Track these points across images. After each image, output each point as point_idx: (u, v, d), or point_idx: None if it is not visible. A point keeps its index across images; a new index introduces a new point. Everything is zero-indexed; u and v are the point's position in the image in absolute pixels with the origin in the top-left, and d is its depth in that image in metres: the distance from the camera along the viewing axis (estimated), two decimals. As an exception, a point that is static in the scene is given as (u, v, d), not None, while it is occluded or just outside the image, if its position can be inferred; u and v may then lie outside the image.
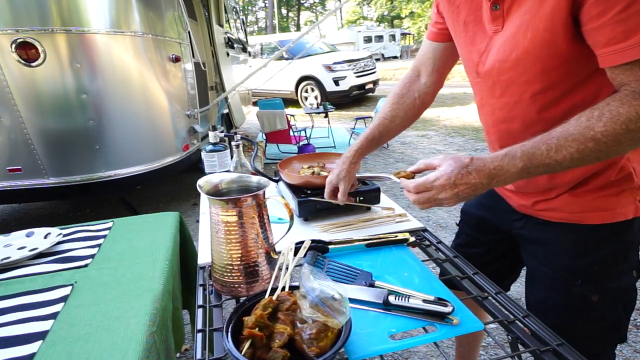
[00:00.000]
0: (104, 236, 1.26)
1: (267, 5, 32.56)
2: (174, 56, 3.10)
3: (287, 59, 8.07)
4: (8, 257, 1.11)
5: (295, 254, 0.82)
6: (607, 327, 0.85)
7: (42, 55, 2.39)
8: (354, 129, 5.72)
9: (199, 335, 0.71)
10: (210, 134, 1.45)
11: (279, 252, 0.83)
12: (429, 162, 0.78)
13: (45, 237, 1.23)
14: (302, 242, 0.89)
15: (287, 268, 0.76)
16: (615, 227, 0.80)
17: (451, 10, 0.88)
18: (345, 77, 8.69)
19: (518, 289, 2.04)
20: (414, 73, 1.09)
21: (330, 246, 0.95)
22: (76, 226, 1.35)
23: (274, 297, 0.69)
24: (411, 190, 0.77)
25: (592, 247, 0.83)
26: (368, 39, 23.76)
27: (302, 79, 9.05)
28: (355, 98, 9.33)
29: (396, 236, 0.99)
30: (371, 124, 1.11)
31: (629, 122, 0.62)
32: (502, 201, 1.01)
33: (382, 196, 1.24)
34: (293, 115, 5.48)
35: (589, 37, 0.66)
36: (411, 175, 0.82)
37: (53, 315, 0.86)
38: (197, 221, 2.59)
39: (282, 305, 0.68)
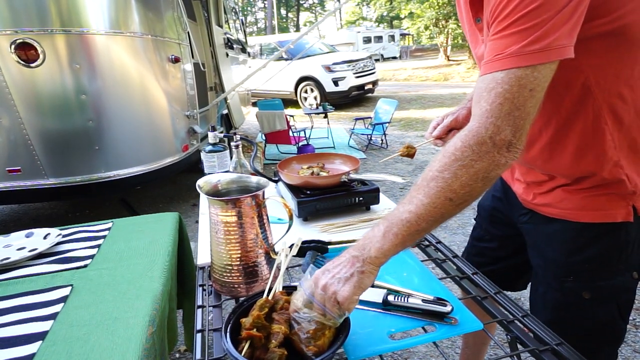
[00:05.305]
0: (104, 237, 1.27)
1: (266, 6, 32.59)
2: (173, 57, 3.10)
3: (286, 59, 8.07)
4: (8, 258, 1.11)
5: (296, 254, 0.82)
6: (599, 326, 0.87)
7: (41, 56, 2.38)
8: (353, 129, 5.72)
9: (199, 335, 0.71)
10: (210, 134, 1.46)
11: (278, 253, 0.83)
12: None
13: (45, 237, 1.23)
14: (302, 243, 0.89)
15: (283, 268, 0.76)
16: (605, 227, 0.81)
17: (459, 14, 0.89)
18: (344, 77, 8.69)
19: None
20: None
21: (329, 246, 0.95)
22: (76, 227, 1.35)
23: (270, 297, 0.69)
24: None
25: (582, 245, 0.85)
26: (367, 40, 23.75)
27: (302, 79, 9.05)
28: (355, 98, 9.32)
29: (395, 236, 0.99)
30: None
31: (455, 151, 0.62)
32: (512, 193, 1.01)
33: (382, 196, 1.25)
34: (292, 116, 5.48)
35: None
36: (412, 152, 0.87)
37: (53, 316, 0.86)
38: (197, 222, 2.59)
39: (276, 305, 0.68)
